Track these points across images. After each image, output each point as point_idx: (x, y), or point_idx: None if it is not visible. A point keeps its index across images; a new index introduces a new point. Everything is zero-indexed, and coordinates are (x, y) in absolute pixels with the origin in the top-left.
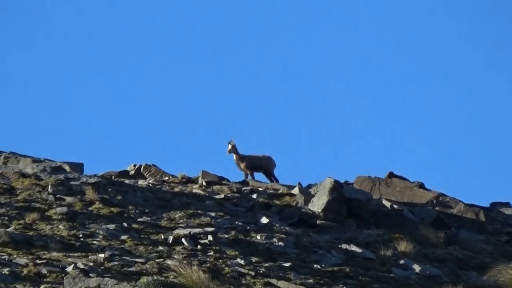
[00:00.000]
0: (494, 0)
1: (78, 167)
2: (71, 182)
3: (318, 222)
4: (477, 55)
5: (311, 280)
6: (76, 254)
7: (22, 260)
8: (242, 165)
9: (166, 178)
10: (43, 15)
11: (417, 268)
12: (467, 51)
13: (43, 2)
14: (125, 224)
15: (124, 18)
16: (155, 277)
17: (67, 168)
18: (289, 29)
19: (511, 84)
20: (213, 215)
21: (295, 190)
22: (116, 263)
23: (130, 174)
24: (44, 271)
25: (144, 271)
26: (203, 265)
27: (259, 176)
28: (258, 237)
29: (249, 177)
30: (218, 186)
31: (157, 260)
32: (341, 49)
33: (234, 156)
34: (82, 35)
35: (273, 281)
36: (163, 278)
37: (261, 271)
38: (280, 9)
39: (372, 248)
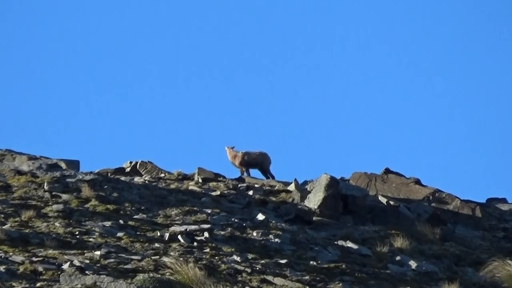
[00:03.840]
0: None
1: (74, 164)
2: (67, 179)
3: (314, 218)
4: (474, 52)
5: (307, 277)
6: (72, 252)
7: (18, 258)
8: (237, 162)
9: (162, 175)
10: (37, 14)
11: (413, 264)
12: (463, 48)
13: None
14: (121, 221)
15: (119, 16)
16: (151, 274)
17: (63, 165)
18: (284, 26)
19: (509, 79)
20: (209, 212)
21: (291, 187)
22: (112, 260)
23: (126, 171)
24: (40, 268)
25: (140, 268)
26: (199, 262)
27: (255, 172)
28: (254, 234)
29: (245, 174)
30: (214, 183)
31: (153, 257)
32: (337, 46)
33: (229, 153)
34: (78, 33)
35: (269, 278)
36: (159, 275)
37: (257, 268)
38: (275, 7)
39: (368, 245)
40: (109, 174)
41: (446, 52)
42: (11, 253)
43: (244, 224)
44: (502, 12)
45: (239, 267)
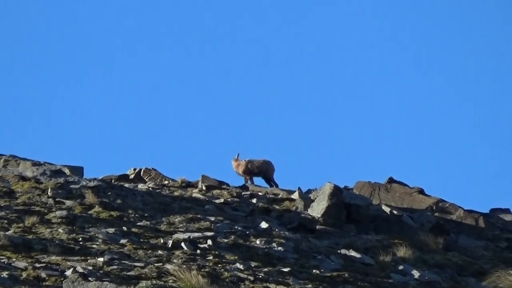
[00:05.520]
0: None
1: (78, 171)
2: (71, 186)
3: (317, 227)
4: (477, 58)
5: (310, 285)
6: (75, 258)
7: (21, 264)
8: (241, 170)
9: (166, 182)
10: (41, 17)
11: (416, 274)
12: (466, 54)
13: (43, 2)
14: (124, 228)
15: (122, 20)
16: (154, 282)
17: (67, 171)
18: (287, 30)
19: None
20: (212, 219)
21: (295, 195)
22: (115, 267)
23: (130, 178)
24: (43, 274)
25: (143, 275)
26: (202, 270)
27: (259, 181)
28: (258, 242)
29: (249, 182)
30: (218, 191)
31: (156, 265)
32: (340, 52)
33: (233, 161)
34: (81, 37)
35: (272, 286)
36: (162, 283)
37: (260, 276)
38: (277, 9)
39: (371, 254)
40: (113, 181)
41: (451, 60)
42: (14, 259)
43: (247, 232)
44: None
45: (242, 275)
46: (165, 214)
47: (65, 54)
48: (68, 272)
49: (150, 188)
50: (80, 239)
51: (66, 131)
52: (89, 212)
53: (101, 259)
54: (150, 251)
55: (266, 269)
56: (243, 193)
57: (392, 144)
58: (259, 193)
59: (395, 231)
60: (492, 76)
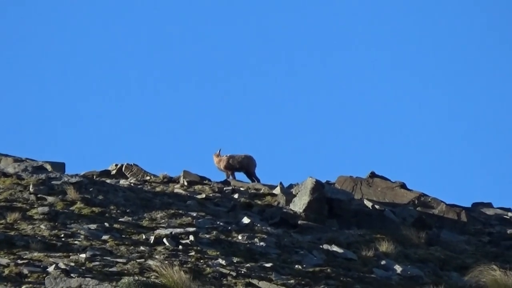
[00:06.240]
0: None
1: (59, 167)
2: (53, 182)
3: (299, 222)
4: (457, 56)
5: (292, 281)
6: (58, 254)
7: (3, 260)
8: (222, 166)
9: (148, 177)
10: (21, 14)
11: (398, 268)
12: (446, 52)
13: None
14: (106, 224)
15: (109, 17)
16: (136, 278)
17: (48, 167)
18: (270, 28)
19: (492, 84)
20: (194, 215)
21: (277, 190)
22: (97, 263)
23: (111, 173)
24: (25, 271)
25: (126, 272)
26: (185, 266)
27: (241, 176)
28: (240, 237)
29: (230, 177)
30: (200, 186)
31: (138, 260)
32: (323, 49)
33: (214, 157)
34: (65, 35)
35: (255, 281)
36: (144, 279)
37: (242, 272)
38: (257, 9)
39: (353, 249)
40: (94, 177)
41: (431, 55)
42: None
43: (229, 228)
44: (499, 16)
45: (224, 270)
46: (147, 209)
47: (46, 50)
48: (51, 269)
49: (132, 184)
50: (62, 235)
51: (47, 127)
52: (71, 208)
53: (83, 255)
54: (132, 247)
55: (248, 265)
56: (225, 188)
57: (374, 139)
58: (241, 188)
59: (377, 226)
60: (472, 71)
